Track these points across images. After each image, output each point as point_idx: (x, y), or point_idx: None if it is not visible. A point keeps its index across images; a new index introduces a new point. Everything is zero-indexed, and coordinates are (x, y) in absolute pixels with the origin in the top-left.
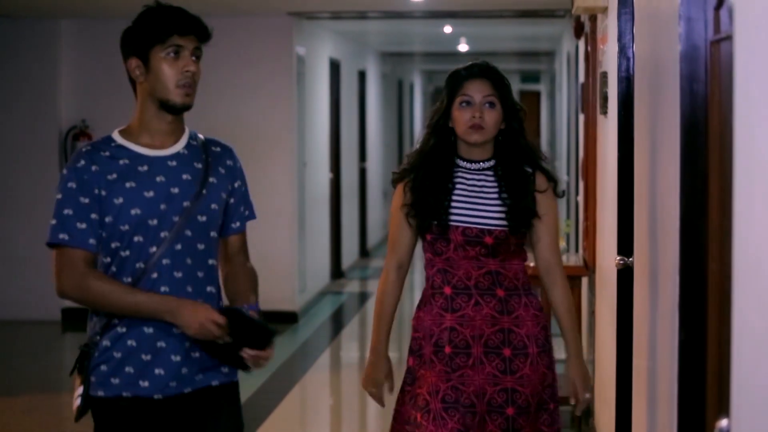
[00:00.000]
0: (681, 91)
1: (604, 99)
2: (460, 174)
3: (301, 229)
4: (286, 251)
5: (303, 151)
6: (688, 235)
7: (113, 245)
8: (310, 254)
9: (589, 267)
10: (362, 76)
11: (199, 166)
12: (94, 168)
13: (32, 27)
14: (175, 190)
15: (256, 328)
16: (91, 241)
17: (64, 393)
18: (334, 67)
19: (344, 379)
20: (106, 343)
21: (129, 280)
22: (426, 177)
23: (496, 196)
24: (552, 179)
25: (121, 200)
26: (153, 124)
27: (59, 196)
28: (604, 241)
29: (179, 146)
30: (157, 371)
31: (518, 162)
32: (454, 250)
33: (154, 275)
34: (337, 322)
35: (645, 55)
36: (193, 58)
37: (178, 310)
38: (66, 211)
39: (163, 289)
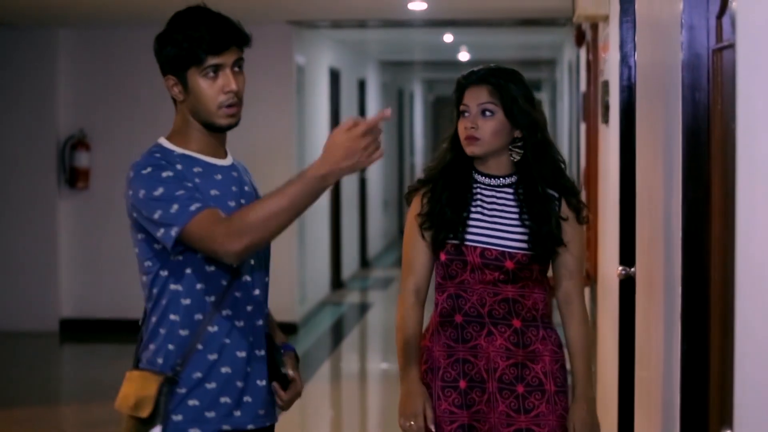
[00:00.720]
0: (683, 100)
1: (606, 108)
2: (478, 190)
3: (300, 239)
4: (286, 261)
5: (303, 161)
6: (690, 244)
7: (186, 271)
8: (310, 264)
9: (590, 277)
10: (362, 85)
11: (247, 179)
12: (179, 166)
13: (30, 36)
14: (243, 202)
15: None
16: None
17: (62, 405)
18: (334, 76)
19: (344, 390)
20: (197, 374)
21: (224, 282)
22: (444, 188)
23: (516, 216)
24: (577, 206)
25: (212, 204)
26: (202, 139)
27: (161, 190)
28: (606, 251)
29: (230, 157)
30: (246, 399)
31: (541, 181)
32: (470, 273)
33: (237, 294)
34: (337, 333)
35: (647, 63)
36: (236, 68)
37: (328, 157)
38: (179, 193)
39: (256, 292)
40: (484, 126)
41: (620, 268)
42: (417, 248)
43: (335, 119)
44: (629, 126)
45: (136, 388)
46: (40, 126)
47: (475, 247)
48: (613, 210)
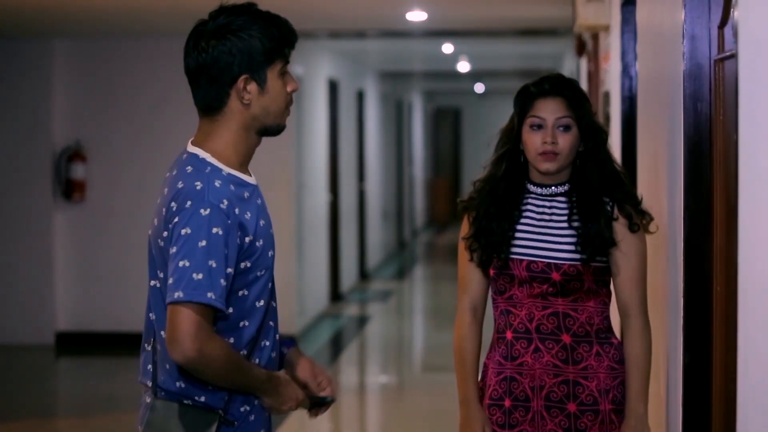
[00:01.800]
0: (685, 110)
1: (607, 118)
2: (530, 201)
3: (299, 251)
4: (284, 273)
5: (301, 173)
6: (692, 255)
7: (240, 293)
8: (309, 276)
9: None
10: (361, 96)
11: None
12: (236, 209)
13: (25, 47)
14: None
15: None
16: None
17: (58, 418)
18: (333, 87)
19: (343, 403)
20: (244, 408)
21: (255, 333)
22: (492, 204)
23: (566, 224)
24: (630, 211)
25: (261, 242)
26: (247, 153)
27: (203, 243)
28: None
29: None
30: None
31: (597, 189)
32: (518, 287)
33: (270, 323)
34: (336, 346)
35: (648, 73)
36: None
37: (280, 389)
38: (211, 262)
39: (266, 343)
40: (563, 141)
41: None
42: (468, 267)
43: (333, 130)
44: (630, 136)
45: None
46: (35, 137)
47: (522, 260)
48: None
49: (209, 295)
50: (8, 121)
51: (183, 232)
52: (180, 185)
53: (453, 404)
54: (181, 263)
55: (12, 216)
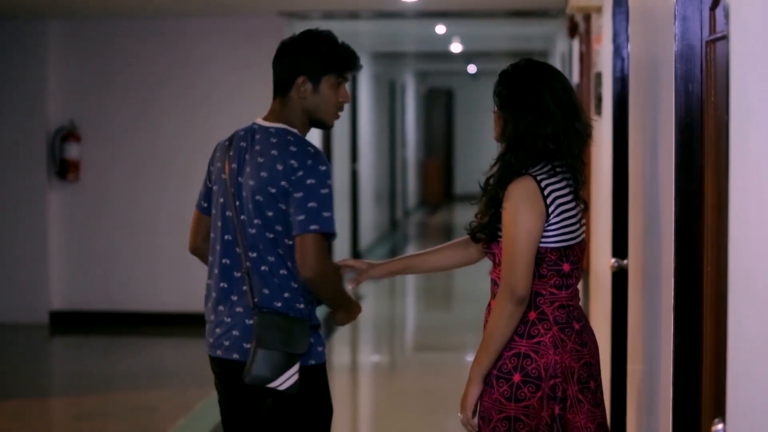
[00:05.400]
0: (676, 92)
1: (599, 99)
2: None
3: None
4: None
5: None
6: (683, 237)
7: None
8: None
9: (583, 269)
10: (354, 76)
11: None
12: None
13: (20, 27)
14: None
15: None
16: None
17: (52, 397)
18: None
19: (336, 384)
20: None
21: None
22: None
23: None
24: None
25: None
26: (304, 132)
27: (326, 190)
28: (599, 243)
29: None
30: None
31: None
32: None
33: None
34: (329, 325)
35: (640, 54)
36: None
37: (353, 307)
38: (331, 204)
39: None
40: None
41: (613, 260)
42: None
43: None
44: (622, 118)
45: None
46: (30, 117)
47: None
48: (606, 202)
49: (335, 228)
50: (3, 102)
51: (309, 182)
52: (293, 149)
53: (444, 383)
54: (310, 204)
55: (6, 195)
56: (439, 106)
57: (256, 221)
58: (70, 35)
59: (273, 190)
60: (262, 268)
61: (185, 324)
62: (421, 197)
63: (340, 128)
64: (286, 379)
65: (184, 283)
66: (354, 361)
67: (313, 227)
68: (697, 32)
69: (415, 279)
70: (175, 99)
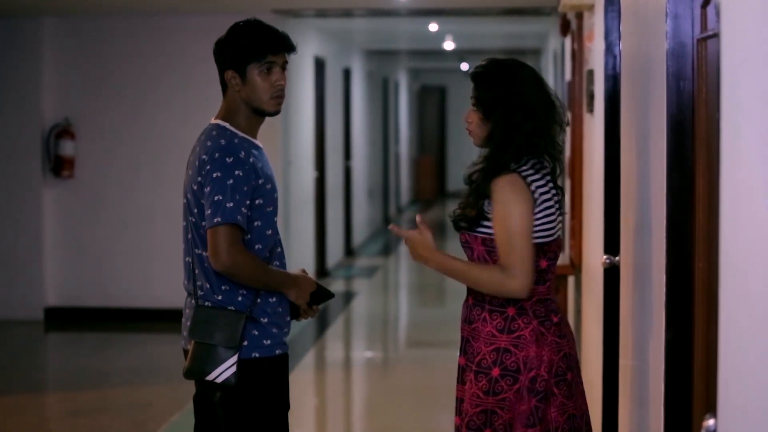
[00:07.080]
0: (668, 89)
1: (591, 97)
2: None
3: (285, 228)
4: None
5: (287, 150)
6: (674, 233)
7: (255, 224)
8: (295, 253)
9: (575, 266)
10: (347, 74)
11: None
12: (251, 159)
13: (15, 24)
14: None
15: (322, 292)
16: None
17: (47, 393)
18: (319, 65)
19: (329, 379)
20: (274, 305)
21: (267, 254)
22: None
23: None
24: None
25: (269, 185)
26: (252, 122)
27: (231, 181)
28: (591, 240)
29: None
30: (285, 329)
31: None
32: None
33: (279, 249)
34: (322, 322)
35: (632, 52)
36: (283, 69)
37: (298, 282)
38: (237, 195)
39: (277, 263)
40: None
41: (605, 256)
42: None
43: (320, 108)
44: (614, 115)
45: None
46: (24, 114)
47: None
48: (598, 199)
49: (238, 217)
50: None
51: (215, 175)
52: (209, 144)
53: (437, 379)
54: (215, 198)
55: (1, 192)
56: (432, 104)
57: (190, 219)
58: (64, 32)
59: (195, 187)
60: (205, 264)
61: (180, 320)
62: (414, 194)
63: (334, 125)
64: (221, 372)
65: (178, 280)
66: (347, 357)
67: (216, 219)
68: (688, 30)
69: (408, 275)
70: (170, 96)
